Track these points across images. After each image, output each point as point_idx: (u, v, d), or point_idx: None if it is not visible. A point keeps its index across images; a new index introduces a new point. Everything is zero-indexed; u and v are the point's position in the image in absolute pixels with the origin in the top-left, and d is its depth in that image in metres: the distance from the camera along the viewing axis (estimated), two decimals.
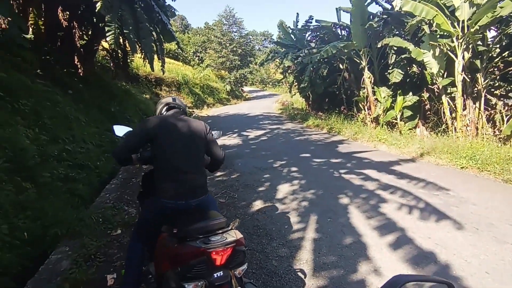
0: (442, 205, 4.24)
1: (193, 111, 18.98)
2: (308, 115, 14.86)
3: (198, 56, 35.90)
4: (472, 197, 4.54)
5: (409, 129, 9.89)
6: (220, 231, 1.75)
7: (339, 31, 13.70)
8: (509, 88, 8.53)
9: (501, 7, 6.82)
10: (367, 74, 10.90)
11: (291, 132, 11.21)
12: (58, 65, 8.12)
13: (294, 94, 18.82)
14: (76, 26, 8.93)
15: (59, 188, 4.35)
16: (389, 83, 10.39)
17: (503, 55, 8.02)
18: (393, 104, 10.33)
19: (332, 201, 4.50)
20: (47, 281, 2.70)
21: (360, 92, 11.73)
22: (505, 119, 7.84)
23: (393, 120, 10.38)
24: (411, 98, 9.84)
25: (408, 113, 10.03)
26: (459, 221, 3.76)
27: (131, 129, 2.57)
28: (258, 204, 4.44)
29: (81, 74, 8.94)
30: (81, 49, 9.29)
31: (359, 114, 11.85)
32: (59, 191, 4.29)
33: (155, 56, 11.01)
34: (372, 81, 11.00)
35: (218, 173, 6.00)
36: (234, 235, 1.75)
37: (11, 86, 5.15)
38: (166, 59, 12.96)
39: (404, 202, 4.38)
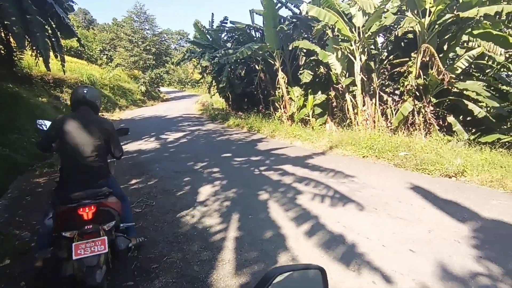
0: (348, 191, 4.76)
1: (103, 115, 17.26)
2: (228, 115, 14.99)
3: (106, 54, 32.80)
4: (372, 182, 5.22)
5: (320, 125, 10.83)
6: (98, 198, 2.45)
7: (253, 32, 14.14)
8: (396, 86, 10.06)
9: (385, 17, 8.01)
10: (281, 74, 11.52)
11: (212, 133, 11.15)
12: None
13: (214, 95, 18.76)
14: None
15: None
16: (301, 83, 11.17)
17: (389, 58, 9.42)
18: (305, 103, 11.16)
19: (253, 198, 4.62)
20: None
21: (276, 91, 12.35)
22: (394, 113, 9.23)
23: (306, 117, 11.22)
24: (320, 97, 10.78)
25: (318, 110, 10.96)
26: (361, 204, 4.26)
27: (44, 125, 3.16)
28: (178, 210, 4.26)
29: None
30: None
31: (276, 112, 12.47)
32: None
33: (51, 54, 9.64)
34: (286, 81, 11.68)
35: (133, 181, 5.58)
36: (105, 200, 2.50)
37: None
38: (68, 58, 11.54)
39: (317, 192, 4.77)
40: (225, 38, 16.42)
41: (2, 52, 9.53)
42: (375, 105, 9.31)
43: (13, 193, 5.19)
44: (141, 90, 27.55)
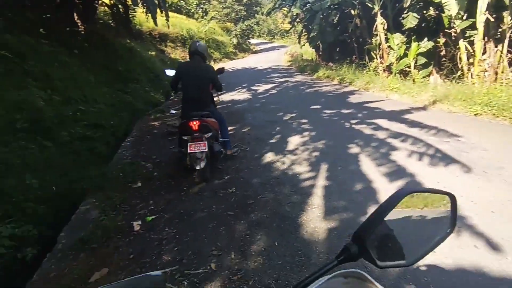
0: (452, 151, 4.26)
1: None
2: (318, 66, 14.39)
3: (202, 8, 34.12)
4: (484, 143, 4.53)
5: (423, 77, 9.53)
6: (201, 117, 3.75)
7: None
8: None
9: None
10: (380, 20, 10.25)
11: (301, 85, 11.00)
12: (61, 24, 7.93)
13: (303, 45, 18.00)
14: None
15: (78, 146, 4.54)
16: (403, 29, 9.79)
17: None
18: (406, 51, 9.84)
19: (343, 150, 4.58)
20: (80, 227, 2.97)
21: (373, 39, 11.14)
22: None
23: (407, 69, 9.97)
24: (426, 44, 9.32)
25: (422, 60, 9.58)
26: (468, 166, 3.80)
27: (174, 70, 4.28)
28: (269, 156, 4.56)
29: (82, 33, 8.75)
30: (80, 6, 8.97)
31: (371, 63, 11.39)
32: (79, 149, 4.48)
33: (158, 10, 10.57)
34: (385, 27, 10.39)
35: (229, 128, 6.07)
36: (206, 119, 3.81)
37: (18, 48, 5.12)
38: (169, 13, 12.45)
39: (414, 149, 4.42)
40: None
41: (121, 10, 10.86)
42: (502, 52, 7.61)
43: (136, 133, 6.29)
44: (232, 42, 28.30)
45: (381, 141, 4.85)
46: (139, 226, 3.01)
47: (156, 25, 11.81)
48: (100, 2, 10.20)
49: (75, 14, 8.56)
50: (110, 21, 12.18)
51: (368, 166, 4.00)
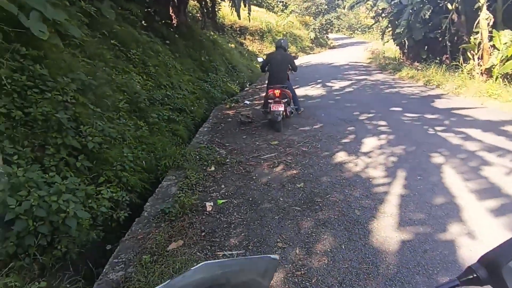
0: None
1: None
2: (401, 65, 13.28)
3: (283, 1, 34.21)
4: None
5: None
6: (280, 88, 5.63)
7: None
8: None
9: None
10: (485, 14, 8.92)
11: (381, 84, 10.31)
12: (157, 17, 8.81)
13: (387, 41, 16.74)
14: None
15: (164, 127, 5.05)
16: None
17: None
18: None
19: (424, 158, 4.19)
20: (162, 200, 3.33)
21: (471, 37, 9.79)
22: None
23: None
24: None
25: None
26: None
27: (263, 59, 6.56)
28: (341, 156, 4.43)
29: (175, 25, 9.56)
30: (175, 1, 9.80)
31: (465, 64, 10.05)
32: (165, 130, 4.99)
33: (241, 4, 10.96)
34: (491, 23, 9.01)
35: (301, 123, 6.07)
36: (283, 89, 5.64)
37: (124, 38, 5.87)
38: (251, 7, 12.79)
39: None
40: None
41: (208, 4, 11.57)
42: None
43: (213, 120, 6.70)
44: (310, 36, 27.82)
45: (471, 154, 4.31)
46: (211, 207, 3.24)
47: (239, 19, 12.28)
48: None
49: (170, 8, 9.39)
50: (198, 14, 13.06)
51: (453, 179, 3.60)
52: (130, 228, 2.87)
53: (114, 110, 4.10)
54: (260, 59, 6.88)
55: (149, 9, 8.41)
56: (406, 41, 14.11)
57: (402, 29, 12.32)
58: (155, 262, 2.34)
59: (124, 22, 6.45)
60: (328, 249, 2.48)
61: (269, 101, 5.49)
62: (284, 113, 5.50)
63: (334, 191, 3.44)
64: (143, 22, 7.66)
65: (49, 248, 2.27)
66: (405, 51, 15.08)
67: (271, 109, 5.38)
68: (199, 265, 0.67)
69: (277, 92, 5.43)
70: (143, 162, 3.84)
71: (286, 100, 5.51)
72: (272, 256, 0.74)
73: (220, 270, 0.72)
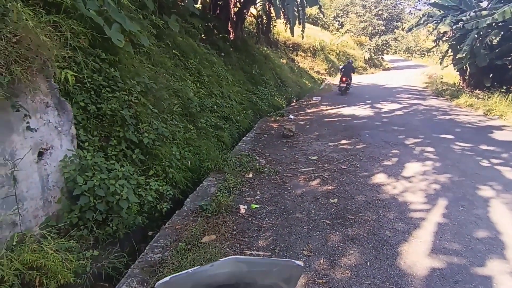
0: None
1: (325, 78, 18.75)
2: (460, 92, 12.48)
3: (338, 21, 34.16)
4: None
5: None
6: (347, 78, 13.00)
7: None
8: None
9: None
10: None
11: (434, 110, 9.80)
12: (216, 31, 9.48)
13: (446, 66, 15.85)
14: None
15: (211, 133, 5.41)
16: None
17: None
18: None
19: (471, 190, 3.96)
20: (201, 198, 3.60)
21: None
22: None
23: None
24: None
25: None
26: None
27: (342, 65, 15.38)
28: (380, 177, 4.36)
29: (231, 39, 10.17)
30: (234, 16, 10.45)
31: None
32: (211, 135, 5.35)
33: (296, 22, 11.28)
34: None
35: (343, 141, 6.05)
36: (348, 79, 12.89)
37: (184, 48, 6.46)
38: (306, 25, 13.07)
39: None
40: None
41: (264, 21, 12.12)
42: None
43: (256, 131, 6.97)
44: (364, 56, 27.34)
45: None
46: (244, 210, 3.42)
47: (293, 36, 12.61)
48: (249, 13, 11.61)
49: (228, 23, 10.04)
50: (254, 30, 13.69)
51: (500, 214, 3.37)
52: (171, 218, 3.16)
53: (168, 112, 4.54)
54: (340, 66, 16.53)
55: (209, 24, 9.09)
56: (468, 67, 13.27)
57: (464, 54, 11.63)
58: (189, 250, 2.58)
59: (186, 35, 7.11)
60: (353, 264, 2.50)
61: (342, 81, 12.66)
62: (347, 86, 12.72)
63: (368, 210, 3.42)
64: (202, 35, 8.31)
65: (103, 225, 2.63)
66: (466, 77, 14.17)
67: (341, 84, 12.61)
68: (228, 258, 0.76)
69: (344, 79, 12.60)
70: (189, 162, 4.19)
71: (348, 82, 12.73)
72: (297, 262, 0.79)
73: (247, 268, 0.77)
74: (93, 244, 2.47)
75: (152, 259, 2.49)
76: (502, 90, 10.87)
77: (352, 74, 13.32)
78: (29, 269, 1.87)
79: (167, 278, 0.67)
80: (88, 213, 2.50)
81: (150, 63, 4.84)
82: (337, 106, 10.07)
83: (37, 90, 2.34)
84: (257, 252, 2.66)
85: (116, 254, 2.49)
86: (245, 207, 3.48)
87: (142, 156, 3.47)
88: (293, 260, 0.76)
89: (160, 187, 3.38)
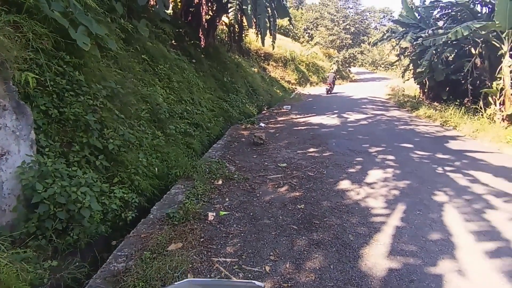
0: None
1: (296, 88, 19.24)
2: (420, 104, 13.35)
3: (308, 33, 35.39)
4: None
5: None
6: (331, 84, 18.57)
7: (478, 8, 11.52)
8: None
9: None
10: (508, 62, 9.02)
11: (396, 120, 10.41)
12: (187, 37, 9.44)
13: (408, 79, 16.95)
14: (204, 2, 10.06)
15: (180, 140, 5.35)
16: None
17: None
18: None
19: (427, 195, 4.24)
20: (168, 206, 3.54)
21: (494, 83, 9.85)
22: None
23: None
24: None
25: None
26: None
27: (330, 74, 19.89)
28: (345, 183, 4.54)
29: (203, 46, 10.17)
30: (205, 24, 10.48)
31: (486, 108, 10.05)
32: (180, 142, 5.29)
33: (268, 33, 11.54)
34: None
35: (311, 149, 6.24)
36: (332, 83, 18.69)
37: (154, 53, 6.37)
38: (277, 35, 13.41)
39: None
40: (438, 15, 14.20)
41: (236, 30, 12.28)
42: None
43: (227, 138, 6.99)
44: (332, 68, 28.47)
45: (477, 196, 4.32)
46: (212, 217, 3.42)
47: (263, 46, 12.86)
48: (221, 21, 11.69)
49: (200, 30, 10.04)
50: (226, 38, 13.79)
51: (453, 218, 3.64)
52: (136, 227, 3.08)
53: (136, 118, 4.45)
54: (326, 75, 20.97)
55: (180, 30, 9.04)
56: (427, 81, 14.26)
57: (423, 69, 12.50)
58: (154, 259, 2.52)
59: (156, 40, 7.02)
60: (317, 267, 2.59)
61: (328, 85, 17.85)
62: (331, 89, 17.84)
63: (332, 215, 3.55)
64: (173, 41, 8.24)
65: (63, 234, 2.51)
66: (425, 90, 15.19)
67: (327, 87, 17.74)
68: (183, 281, 0.74)
69: (329, 83, 17.95)
70: (156, 169, 4.11)
71: (331, 86, 17.82)
72: (257, 283, 0.77)
73: None
74: (52, 254, 2.35)
75: (116, 268, 2.41)
76: (457, 103, 11.78)
77: (334, 81, 18.68)
78: None
79: None
80: (47, 222, 2.38)
81: (117, 67, 4.72)
82: (306, 115, 10.37)
83: None
84: (225, 259, 2.67)
85: (77, 264, 2.39)
86: (214, 214, 3.47)
87: (107, 162, 3.36)
88: (253, 281, 0.75)
89: (125, 195, 3.29)
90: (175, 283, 0.68)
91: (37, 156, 2.58)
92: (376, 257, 2.78)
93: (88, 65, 3.74)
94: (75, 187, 2.56)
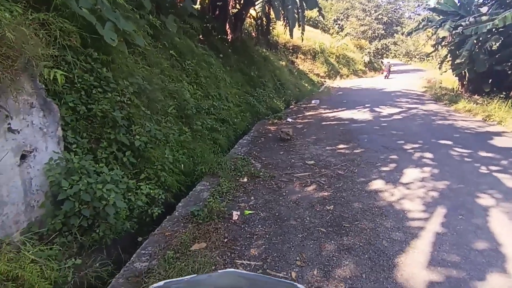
0: None
1: (325, 81, 18.70)
2: (459, 97, 12.41)
3: (339, 24, 34.21)
4: None
5: None
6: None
7: None
8: None
9: None
10: None
11: (433, 115, 9.72)
12: (214, 32, 9.40)
13: (445, 71, 15.80)
14: None
15: (206, 135, 5.32)
16: None
17: None
18: None
19: (470, 198, 3.87)
20: (193, 203, 3.50)
21: None
22: None
23: None
24: None
25: None
26: None
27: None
28: (378, 183, 4.26)
29: (229, 40, 10.09)
30: (232, 17, 10.37)
31: None
32: (206, 138, 5.25)
33: (296, 24, 11.22)
34: None
35: (341, 145, 5.96)
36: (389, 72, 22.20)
37: (182, 49, 6.37)
38: (305, 27, 13.01)
39: None
40: (481, 0, 13.06)
41: (264, 22, 12.05)
42: None
43: (253, 134, 6.87)
44: (364, 60, 27.35)
45: None
46: (237, 216, 3.33)
47: (292, 38, 12.55)
48: (248, 15, 11.53)
49: (227, 24, 9.96)
50: (253, 31, 13.62)
51: (501, 225, 3.27)
52: (161, 224, 3.06)
53: (163, 114, 4.44)
54: (383, 65, 24.68)
55: (208, 24, 9.00)
56: (467, 73, 13.23)
57: (462, 60, 11.58)
58: (177, 259, 2.48)
59: (184, 35, 7.01)
60: (348, 276, 2.41)
61: (386, 71, 21.55)
62: (387, 76, 21.22)
63: (364, 218, 3.33)
64: (201, 36, 8.23)
65: (89, 231, 2.52)
66: (465, 82, 14.11)
67: (386, 73, 21.35)
68: (226, 270, 0.70)
69: (387, 71, 21.43)
70: (182, 165, 4.09)
71: (388, 73, 21.36)
72: (299, 285, 0.74)
73: (248, 284, 0.71)
74: (77, 251, 2.36)
75: (139, 267, 2.39)
76: (502, 95, 10.82)
77: (390, 69, 21.80)
78: (4, 280, 1.77)
79: (161, 283, 0.63)
80: (72, 219, 2.39)
81: (145, 63, 4.74)
82: (336, 110, 9.99)
83: (20, 90, 2.25)
84: (249, 262, 2.56)
85: (101, 262, 2.39)
86: (238, 213, 3.38)
87: (134, 159, 3.36)
88: (295, 283, 0.72)
89: (151, 191, 3.28)
90: (219, 271, 0.67)
91: (65, 153, 2.61)
92: (414, 267, 2.54)
93: (116, 61, 3.76)
94: (100, 184, 2.56)
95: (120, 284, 2.19)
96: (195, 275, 0.67)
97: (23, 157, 2.32)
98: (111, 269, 2.40)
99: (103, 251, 2.57)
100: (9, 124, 2.18)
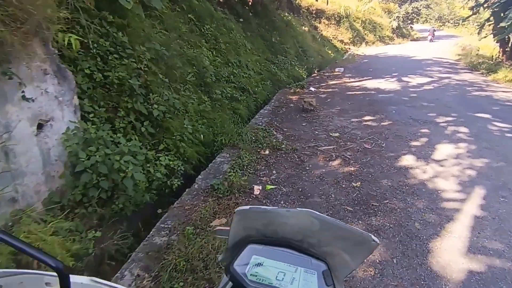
0: None
1: (349, 48, 17.70)
2: (499, 66, 11.41)
3: None
4: None
5: None
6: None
7: None
8: None
9: None
10: None
11: (468, 85, 9.01)
12: None
13: (485, 37, 14.43)
14: None
15: (226, 105, 5.12)
16: None
17: None
18: None
19: None
20: (213, 176, 3.39)
21: None
22: None
23: None
24: None
25: None
26: None
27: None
28: (408, 159, 3.99)
29: (250, 3, 9.50)
30: None
31: None
32: (226, 107, 5.06)
33: None
34: None
35: (367, 117, 5.63)
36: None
37: (200, 13, 6.00)
38: None
39: None
40: None
41: None
42: None
43: (275, 103, 6.60)
44: (392, 25, 25.52)
45: None
46: (258, 191, 3.20)
47: (317, 0, 11.70)
48: None
49: None
50: None
51: None
52: (180, 197, 2.99)
53: (181, 82, 4.26)
54: (428, 29, 25.78)
55: None
56: (511, 38, 12.03)
57: (508, 23, 10.45)
58: (197, 235, 2.40)
59: None
60: (377, 260, 2.26)
61: (430, 35, 23.48)
62: (432, 39, 23.16)
63: (394, 197, 3.12)
64: None
65: (109, 203, 2.47)
66: (507, 49, 12.90)
67: (430, 37, 23.34)
68: (303, 210, 0.73)
69: (431, 35, 23.38)
70: (201, 135, 3.95)
71: (432, 36, 23.31)
72: (374, 237, 0.72)
73: (319, 226, 0.73)
74: (97, 223, 2.32)
75: (158, 243, 2.33)
76: None
77: (434, 32, 23.32)
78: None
79: (246, 207, 0.74)
80: (91, 191, 2.33)
81: (162, 28, 4.49)
82: (361, 78, 9.45)
83: (32, 56, 2.10)
84: None
85: (121, 235, 2.35)
86: (260, 187, 3.26)
87: (152, 129, 3.25)
88: (370, 235, 0.71)
89: (170, 162, 3.18)
90: (298, 208, 0.73)
91: (81, 122, 2.50)
92: (451, 253, 2.35)
93: (132, 25, 3.54)
94: (118, 155, 2.46)
95: (140, 258, 2.14)
96: (276, 207, 0.70)
97: (39, 126, 2.23)
98: (131, 242, 2.37)
99: (123, 223, 2.53)
100: (23, 92, 2.06)
